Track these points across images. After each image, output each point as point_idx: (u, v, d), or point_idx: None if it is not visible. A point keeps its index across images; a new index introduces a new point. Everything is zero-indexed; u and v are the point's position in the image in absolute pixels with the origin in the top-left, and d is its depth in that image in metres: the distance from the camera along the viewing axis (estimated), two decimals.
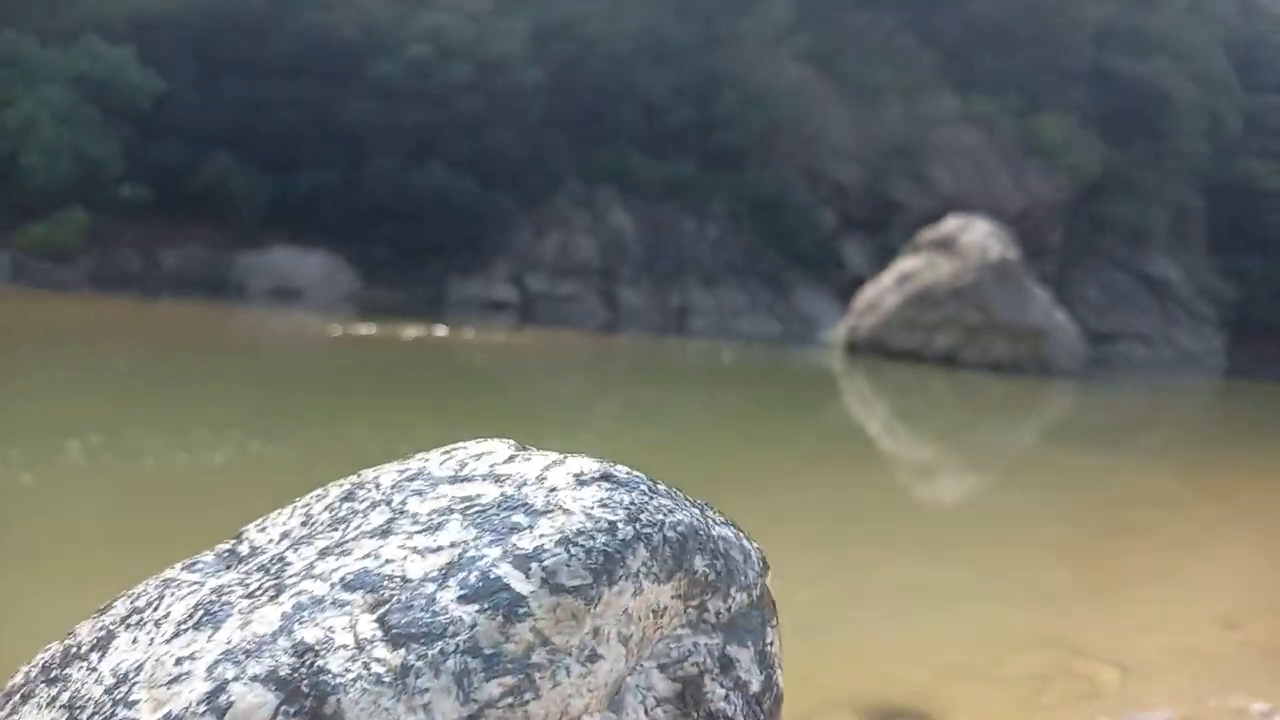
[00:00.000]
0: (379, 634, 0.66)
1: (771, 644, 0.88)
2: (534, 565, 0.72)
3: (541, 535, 0.74)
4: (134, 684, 0.73)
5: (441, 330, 13.50)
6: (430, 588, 0.71)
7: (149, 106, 18.64)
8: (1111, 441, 9.48)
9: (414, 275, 18.88)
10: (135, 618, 0.87)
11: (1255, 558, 4.56)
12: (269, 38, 19.97)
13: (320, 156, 19.61)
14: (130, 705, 0.71)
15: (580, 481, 0.83)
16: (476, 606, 0.68)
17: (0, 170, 17.52)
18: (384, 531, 0.82)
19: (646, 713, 0.73)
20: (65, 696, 0.80)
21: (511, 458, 0.95)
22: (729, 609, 0.84)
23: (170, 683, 0.68)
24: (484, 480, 0.85)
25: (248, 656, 0.67)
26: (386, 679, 0.62)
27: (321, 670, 0.64)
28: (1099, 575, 4.02)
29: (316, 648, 0.67)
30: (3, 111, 17.51)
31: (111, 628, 0.89)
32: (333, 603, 0.72)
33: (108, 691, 0.73)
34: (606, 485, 0.81)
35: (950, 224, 16.50)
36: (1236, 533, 5.14)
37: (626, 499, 0.78)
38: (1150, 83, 26.85)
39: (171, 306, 14.43)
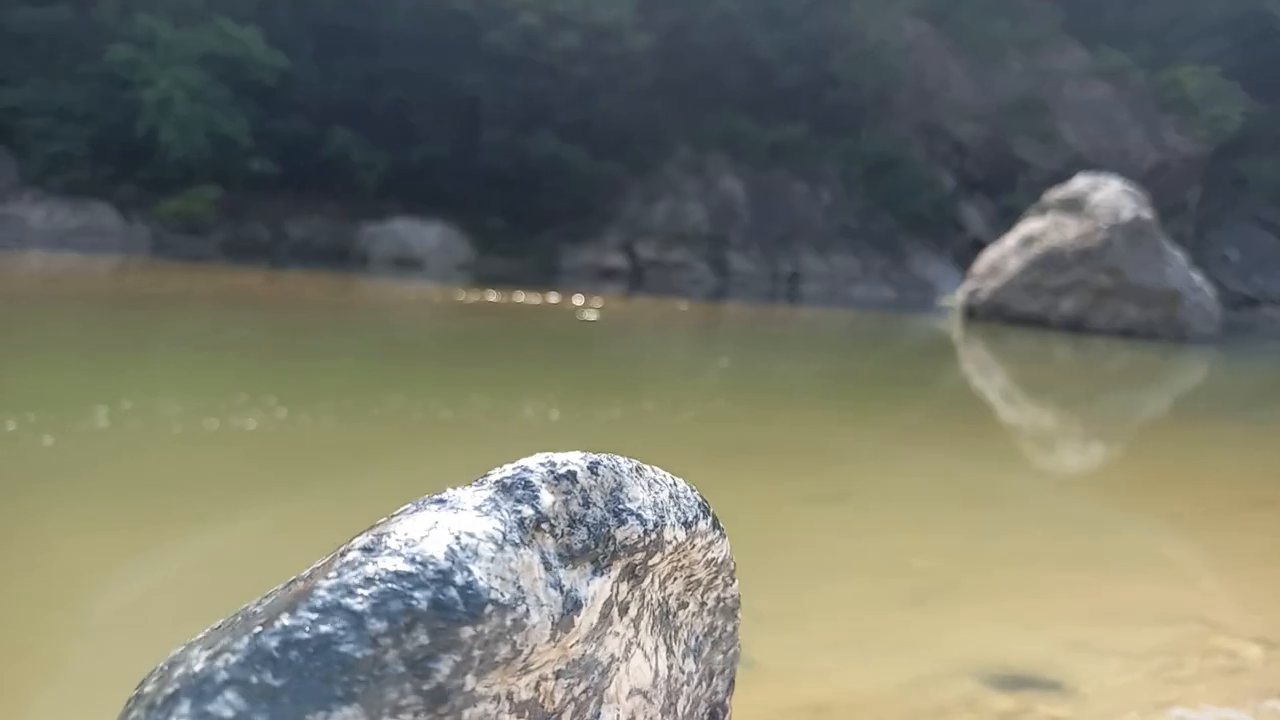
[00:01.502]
0: None
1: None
2: None
3: None
4: None
5: (554, 298, 13.68)
6: None
7: (274, 83, 19.36)
8: (1250, 411, 8.96)
9: (526, 244, 19.17)
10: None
11: None
12: (384, 12, 20.43)
13: (435, 128, 20.03)
14: None
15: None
16: None
17: (140, 147, 18.51)
18: None
19: None
20: None
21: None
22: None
23: None
24: None
25: None
26: None
27: None
28: (1233, 550, 3.83)
29: None
30: (141, 91, 18.46)
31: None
32: None
33: None
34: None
35: (1079, 183, 15.76)
36: None
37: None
38: None
39: (298, 276, 15.04)
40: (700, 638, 0.59)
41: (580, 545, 0.46)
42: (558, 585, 0.43)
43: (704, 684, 0.62)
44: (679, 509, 0.53)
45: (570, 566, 0.46)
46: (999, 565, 3.26)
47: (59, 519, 2.91)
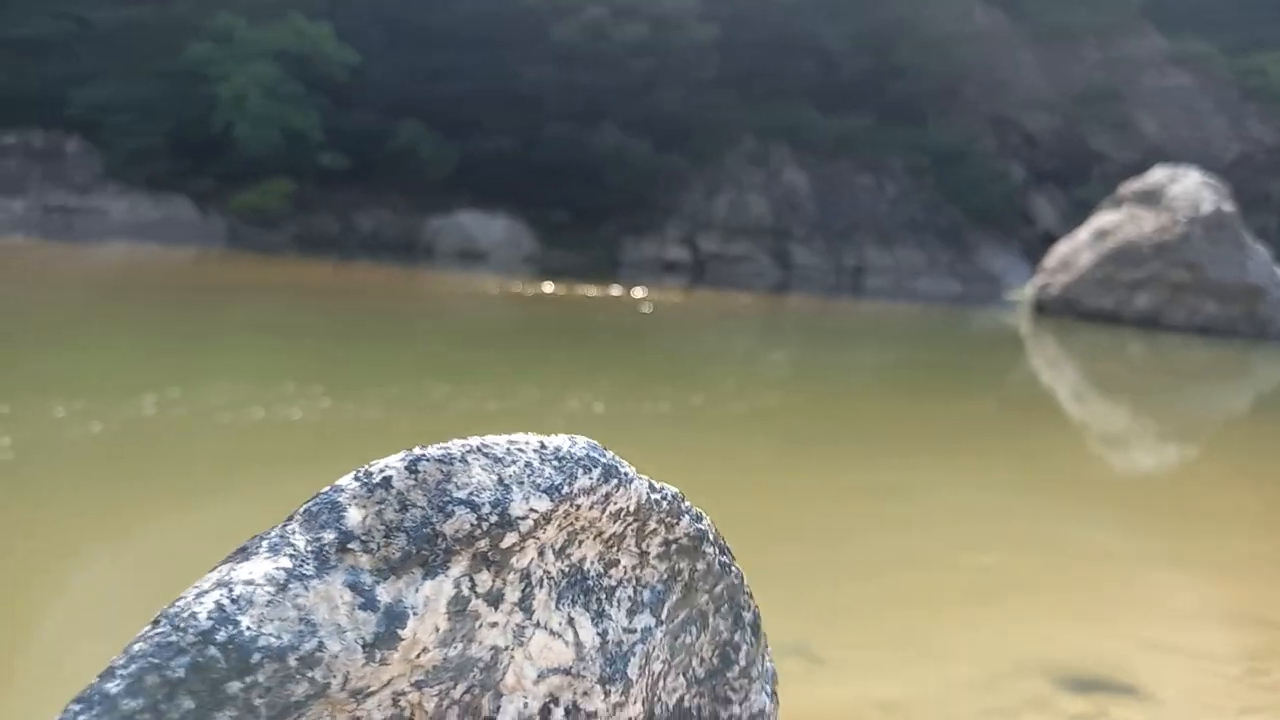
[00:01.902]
0: None
1: None
2: None
3: None
4: None
5: (616, 291, 13.73)
6: None
7: (345, 78, 19.73)
8: None
9: (589, 237, 19.26)
10: None
11: None
12: (452, 7, 20.66)
13: (501, 121, 20.21)
14: None
15: None
16: None
17: (217, 142, 19.01)
18: None
19: None
20: None
21: None
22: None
23: None
24: None
25: None
26: None
27: None
28: None
29: None
30: (218, 87, 18.95)
31: None
32: None
33: None
34: None
35: (1157, 174, 15.30)
36: None
37: None
38: None
39: (366, 268, 15.31)
40: (657, 589, 0.53)
41: (400, 554, 0.43)
42: (371, 605, 0.41)
43: (693, 630, 0.55)
44: (535, 478, 0.49)
45: (393, 578, 0.44)
46: (1068, 561, 3.20)
47: (97, 499, 3.02)
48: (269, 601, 0.42)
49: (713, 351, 9.23)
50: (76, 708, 0.37)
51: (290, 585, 0.43)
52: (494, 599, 0.48)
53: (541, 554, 0.51)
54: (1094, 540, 3.52)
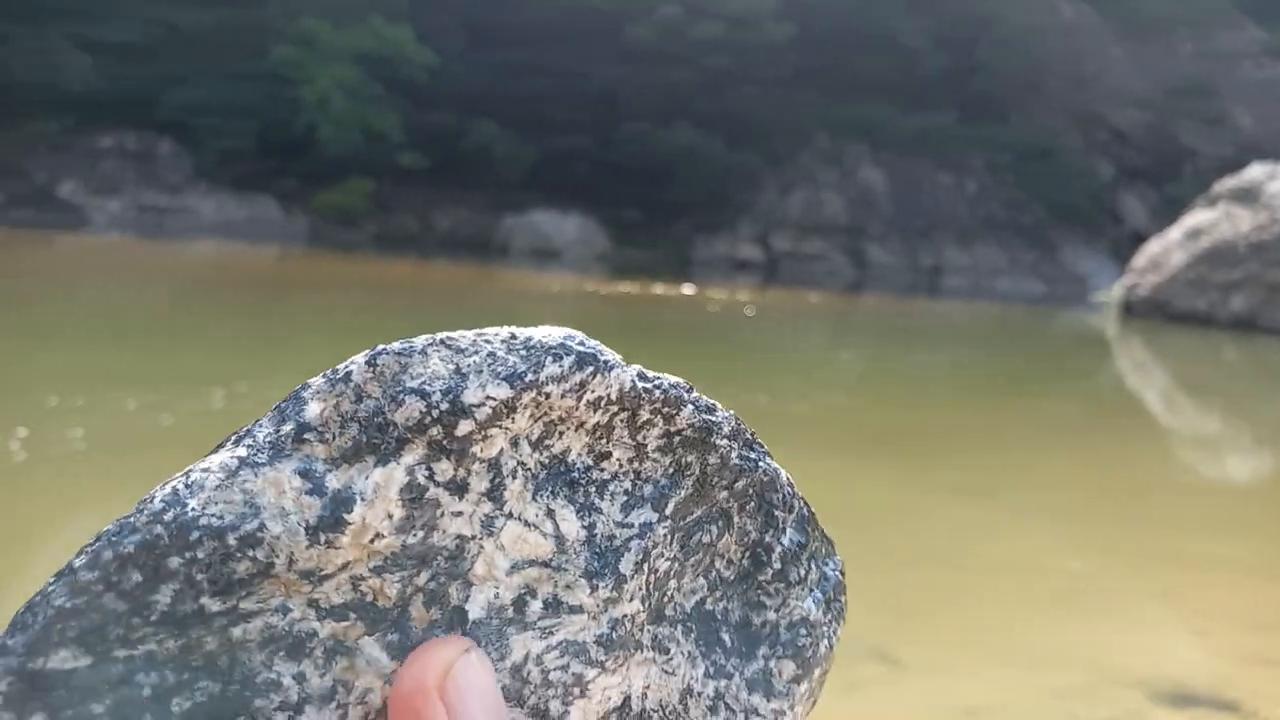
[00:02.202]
0: None
1: None
2: None
3: None
4: None
5: (688, 289, 13.68)
6: None
7: (424, 79, 20.08)
8: None
9: (662, 235, 19.25)
10: None
11: None
12: (529, 7, 20.86)
13: (575, 120, 20.34)
14: None
15: None
16: None
17: (301, 142, 19.52)
18: None
19: None
20: None
21: None
22: None
23: None
24: None
25: None
26: None
27: None
28: None
29: None
30: (302, 89, 19.45)
31: None
32: None
33: None
34: None
35: (1254, 171, 14.68)
36: None
37: None
38: None
39: (443, 266, 15.54)
40: (661, 483, 0.47)
41: (352, 443, 0.45)
42: (319, 490, 0.43)
43: (712, 529, 0.48)
44: (496, 367, 0.48)
45: (345, 466, 0.45)
46: (1160, 567, 3.06)
47: None
48: (218, 486, 0.43)
49: (790, 348, 9.12)
50: (51, 580, 0.39)
51: (241, 472, 0.44)
52: (457, 488, 0.47)
53: (515, 445, 0.49)
54: (1186, 548, 3.36)
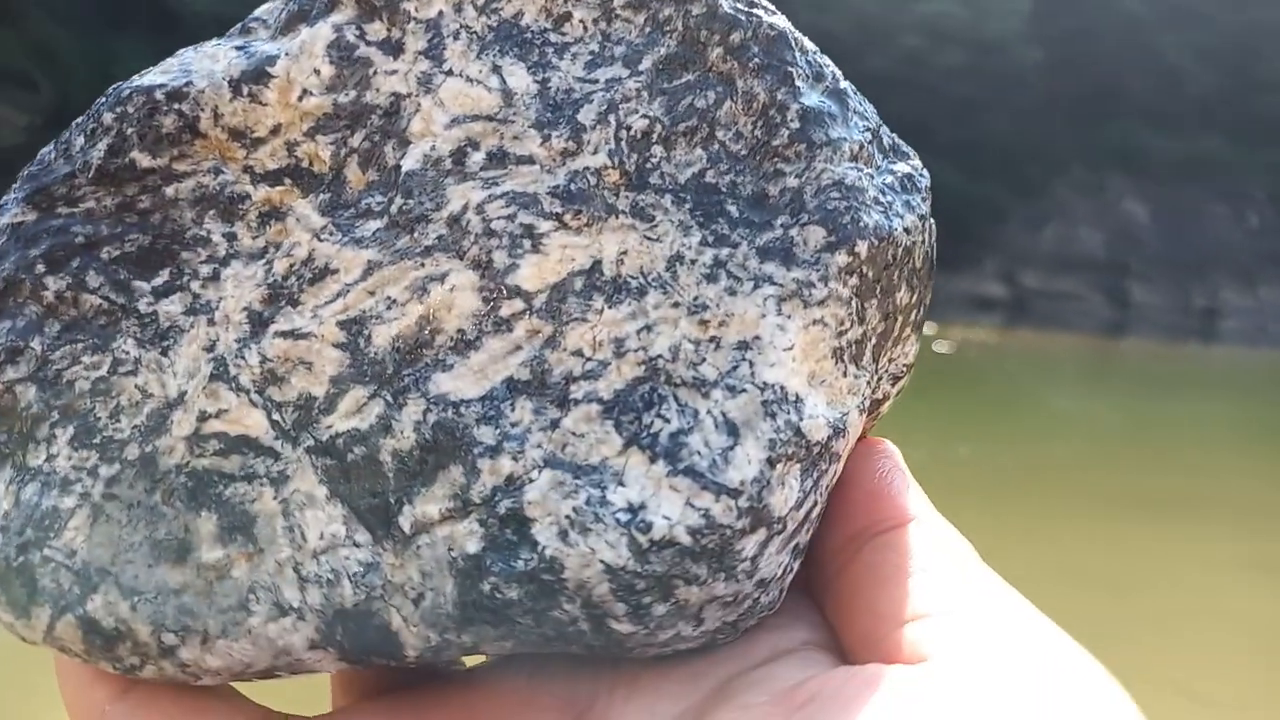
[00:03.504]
0: None
1: None
2: None
3: None
4: None
5: (926, 328, 13.09)
6: None
7: None
8: None
9: None
10: None
11: None
12: None
13: None
14: None
15: None
16: None
17: None
18: None
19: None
20: None
21: None
22: None
23: None
24: None
25: None
26: None
27: None
28: None
29: None
30: None
31: None
32: None
33: None
34: None
35: None
36: None
37: None
38: None
39: None
40: (634, 42, 0.35)
41: (287, 15, 0.43)
42: (248, 52, 0.43)
43: (708, 94, 0.37)
44: None
45: (280, 37, 0.44)
46: None
47: None
48: (161, 64, 0.45)
49: (1036, 396, 8.45)
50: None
51: (184, 52, 0.44)
52: (391, 49, 0.43)
53: (459, 10, 0.44)
54: None
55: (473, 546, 0.33)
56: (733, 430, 0.33)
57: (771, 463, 0.33)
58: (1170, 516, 4.31)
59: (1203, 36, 20.42)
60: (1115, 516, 4.18)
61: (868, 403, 0.41)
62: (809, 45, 0.46)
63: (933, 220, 0.43)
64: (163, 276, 0.40)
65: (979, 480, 4.48)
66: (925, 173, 0.45)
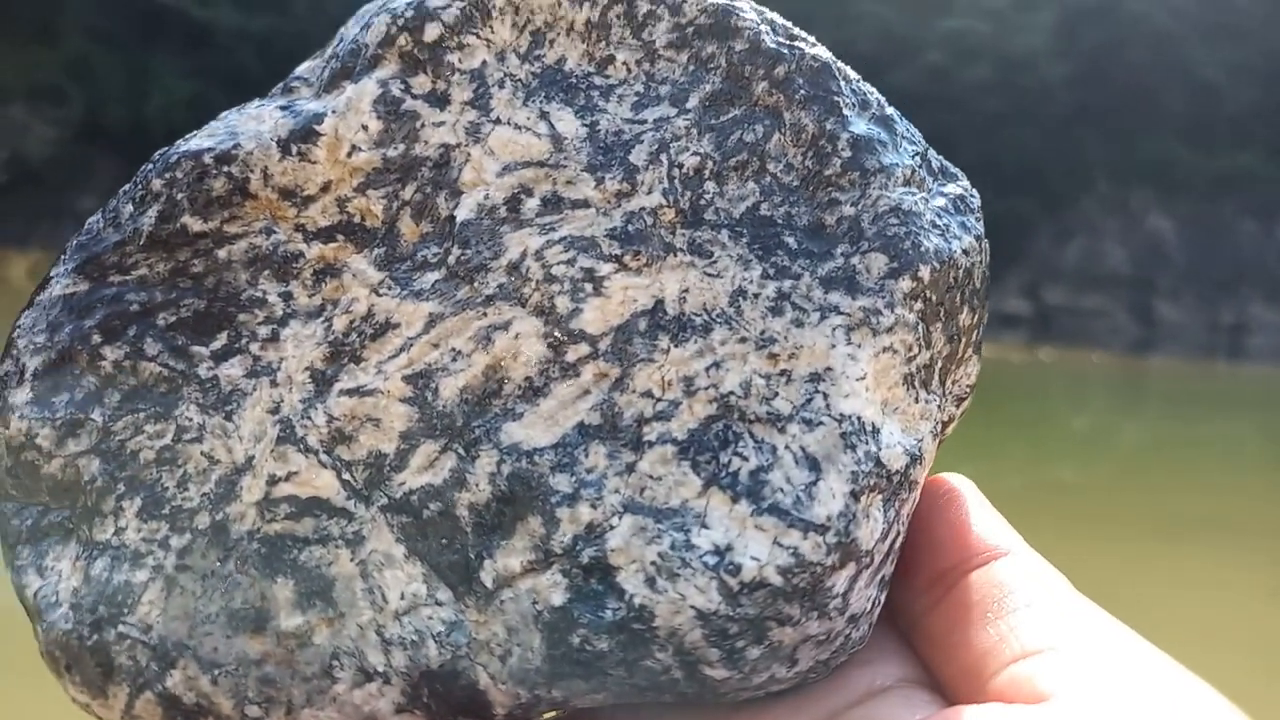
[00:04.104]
0: None
1: None
2: None
3: None
4: None
5: None
6: None
7: None
8: None
9: None
10: None
11: None
12: None
13: None
14: None
15: None
16: None
17: None
18: None
19: None
20: None
21: None
22: None
23: None
24: None
25: None
26: None
27: None
28: None
29: None
30: None
31: None
32: None
33: None
34: None
35: None
36: None
37: None
38: None
39: None
40: (679, 81, 0.45)
41: (330, 73, 0.44)
42: (293, 111, 0.43)
43: (756, 128, 0.37)
44: None
45: (324, 95, 0.45)
46: None
47: None
48: (206, 128, 0.45)
49: (1065, 415, 8.36)
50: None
51: (228, 115, 0.45)
52: (437, 101, 0.44)
53: (502, 59, 0.46)
54: None
55: (558, 598, 0.31)
56: (813, 465, 0.32)
57: (855, 495, 0.32)
58: (1195, 538, 4.25)
59: (1238, 53, 20.19)
60: (1138, 538, 4.12)
61: (939, 427, 0.41)
62: (852, 74, 0.46)
63: (987, 240, 0.44)
64: (221, 340, 0.39)
65: (998, 501, 4.43)
66: (975, 193, 0.45)
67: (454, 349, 0.38)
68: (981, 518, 0.33)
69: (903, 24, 20.61)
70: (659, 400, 0.34)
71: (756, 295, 0.37)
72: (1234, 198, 19.68)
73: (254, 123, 0.44)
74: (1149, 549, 3.96)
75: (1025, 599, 0.29)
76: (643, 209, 0.41)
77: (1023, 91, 19.86)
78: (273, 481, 0.35)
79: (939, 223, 0.42)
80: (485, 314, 0.38)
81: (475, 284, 0.39)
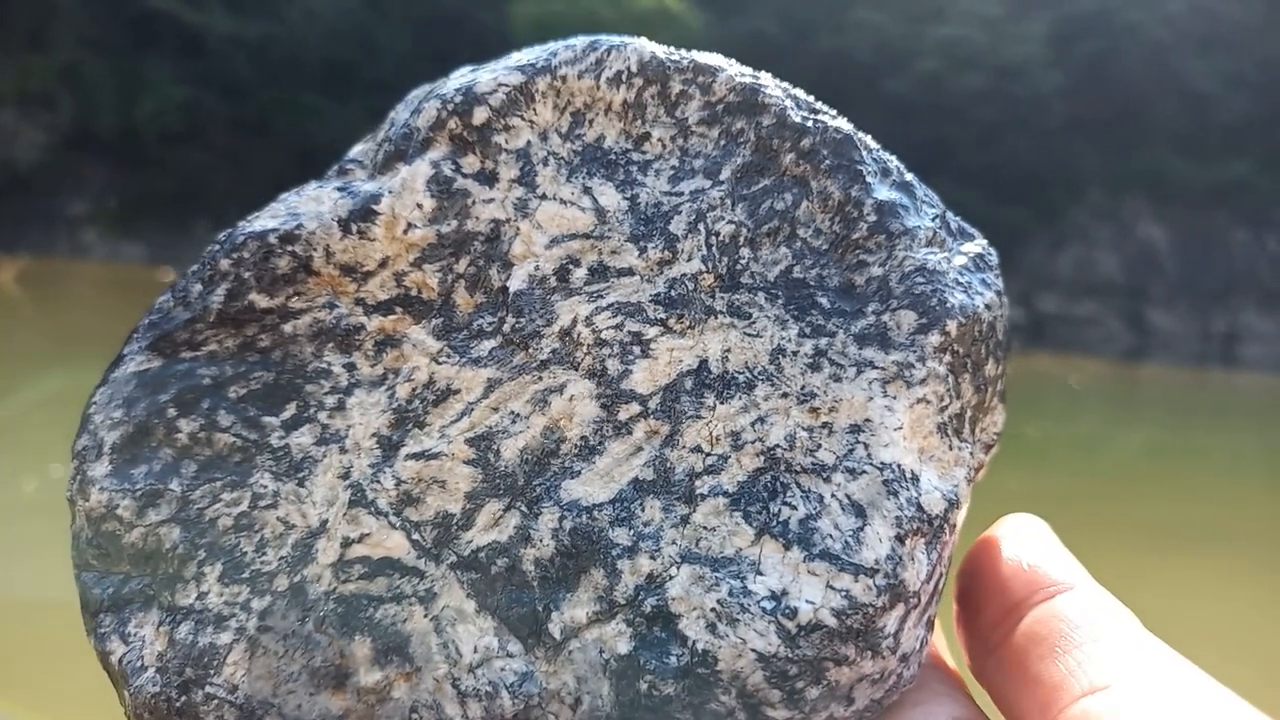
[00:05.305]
0: None
1: None
2: None
3: None
4: None
5: None
6: None
7: None
8: None
9: None
10: None
11: None
12: (785, 65, 21.01)
13: None
14: None
15: None
16: None
17: None
18: None
19: None
20: None
21: None
22: None
23: None
24: None
25: None
26: None
27: None
28: None
29: None
30: None
31: None
32: None
33: None
34: None
35: None
36: None
37: None
38: None
39: None
40: (713, 155, 0.47)
41: (384, 155, 0.47)
42: (350, 192, 0.46)
43: (785, 196, 0.46)
44: (509, 63, 0.49)
45: (379, 177, 0.47)
46: None
47: None
48: (267, 209, 0.49)
49: (1063, 425, 8.37)
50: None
51: (288, 197, 0.49)
52: (486, 179, 0.47)
53: (544, 138, 0.49)
54: None
55: (624, 647, 0.33)
56: (859, 511, 0.34)
57: (900, 539, 0.34)
58: (1189, 548, 4.26)
59: (1231, 63, 20.28)
60: (1132, 547, 4.12)
61: (973, 473, 0.43)
62: (872, 143, 0.49)
63: (1006, 296, 0.45)
64: (290, 410, 0.40)
65: (996, 511, 4.43)
66: (993, 250, 0.49)
67: (513, 412, 0.39)
68: (1048, 553, 0.34)
69: (897, 32, 20.67)
70: (708, 455, 0.36)
71: (795, 353, 0.40)
72: (1227, 207, 19.75)
73: (314, 204, 0.46)
74: (1144, 558, 3.96)
75: (1092, 634, 0.29)
76: (684, 275, 0.44)
77: (1016, 100, 19.93)
78: (346, 544, 0.37)
79: (962, 280, 0.44)
80: (541, 378, 0.40)
81: (530, 350, 0.41)
